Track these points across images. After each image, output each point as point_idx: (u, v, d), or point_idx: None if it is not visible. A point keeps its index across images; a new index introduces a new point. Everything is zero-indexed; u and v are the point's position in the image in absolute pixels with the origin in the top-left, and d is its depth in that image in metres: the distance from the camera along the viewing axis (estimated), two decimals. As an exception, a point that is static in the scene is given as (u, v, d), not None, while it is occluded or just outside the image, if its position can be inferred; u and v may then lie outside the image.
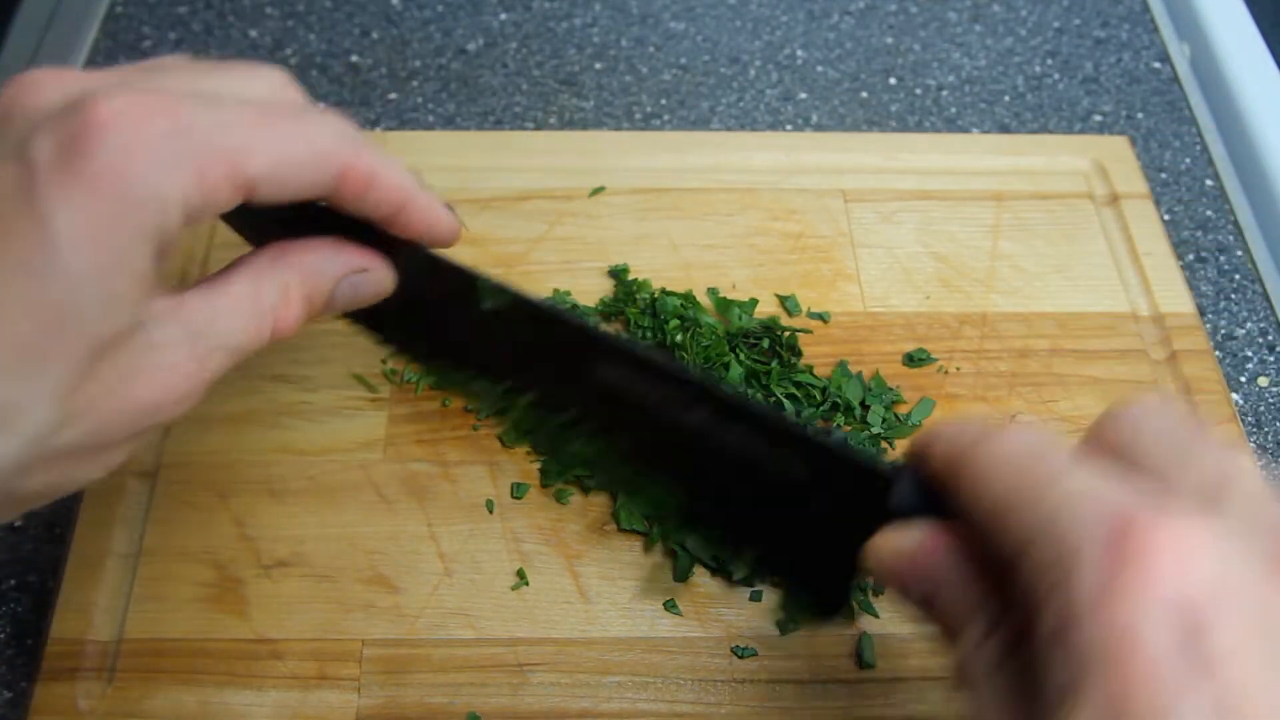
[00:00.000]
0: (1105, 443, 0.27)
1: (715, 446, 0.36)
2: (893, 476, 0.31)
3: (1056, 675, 0.23)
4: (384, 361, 0.46)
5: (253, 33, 0.62)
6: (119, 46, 0.62)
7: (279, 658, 0.40)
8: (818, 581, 0.37)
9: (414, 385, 0.46)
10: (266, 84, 0.33)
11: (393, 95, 0.60)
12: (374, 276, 0.35)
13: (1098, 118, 0.61)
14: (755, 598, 0.41)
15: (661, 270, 0.50)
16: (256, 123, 0.30)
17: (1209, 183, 0.58)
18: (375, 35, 0.63)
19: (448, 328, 0.42)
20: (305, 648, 0.40)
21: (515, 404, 0.42)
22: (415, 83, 0.61)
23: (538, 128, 0.59)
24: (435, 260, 0.39)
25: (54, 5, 0.61)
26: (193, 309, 0.30)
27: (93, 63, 0.61)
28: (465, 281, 0.39)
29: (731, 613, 0.41)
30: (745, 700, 0.39)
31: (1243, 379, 0.50)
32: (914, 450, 0.30)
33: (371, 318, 0.42)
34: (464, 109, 0.59)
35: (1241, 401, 0.50)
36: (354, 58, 0.62)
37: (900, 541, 0.30)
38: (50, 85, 0.29)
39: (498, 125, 0.59)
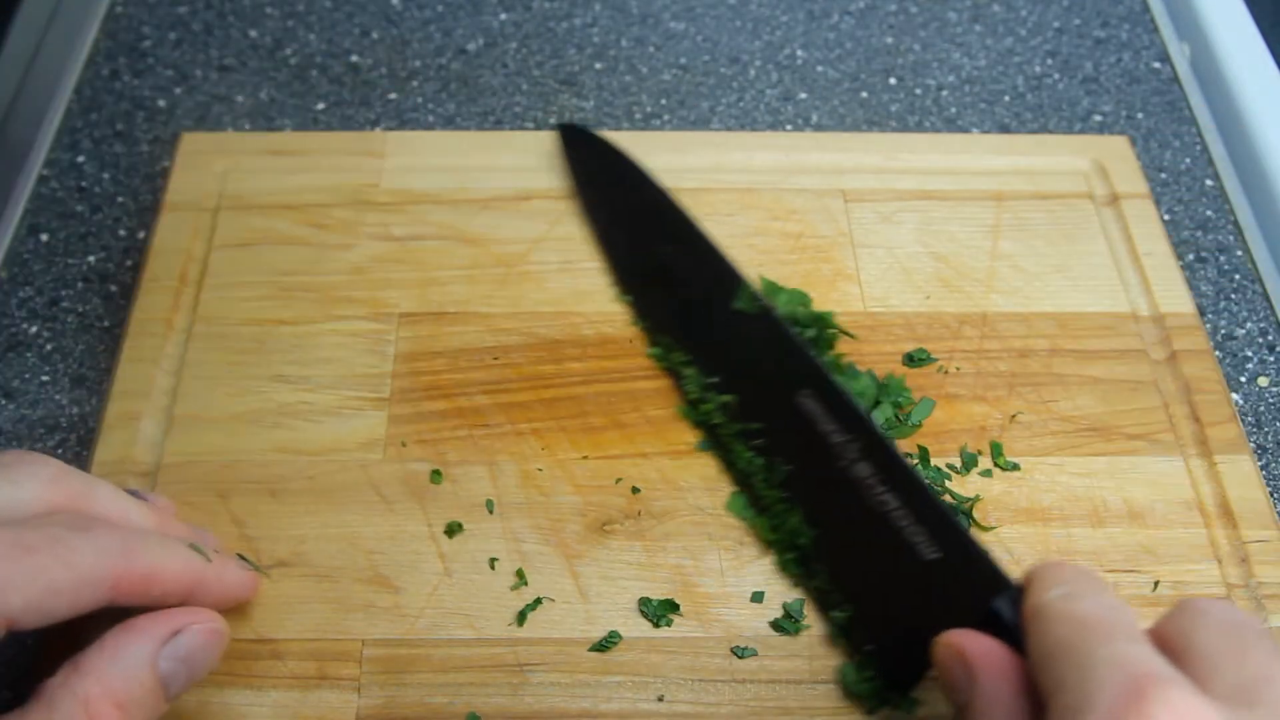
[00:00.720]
0: (1167, 629, 0.30)
1: (866, 504, 0.39)
2: (1008, 586, 0.34)
3: None
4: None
5: (253, 33, 0.62)
6: (119, 46, 0.62)
7: (279, 658, 0.40)
8: (895, 659, 0.39)
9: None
10: (32, 485, 0.32)
11: (393, 95, 0.60)
12: (198, 632, 0.33)
13: (1098, 118, 0.61)
14: (756, 598, 0.41)
15: (661, 270, 0.50)
16: (9, 557, 0.29)
17: (1209, 183, 0.58)
18: (375, 35, 0.63)
19: (691, 309, 0.47)
20: (305, 648, 0.40)
21: (712, 400, 0.44)
22: (415, 83, 0.61)
23: (538, 128, 0.59)
24: (707, 248, 0.46)
25: (54, 5, 0.61)
26: None
27: (93, 63, 0.61)
28: (727, 277, 0.45)
29: (731, 613, 0.41)
30: (745, 700, 0.39)
31: (1243, 379, 0.50)
32: (1023, 577, 0.33)
33: (629, 272, 0.49)
34: (464, 109, 0.59)
35: (1241, 401, 0.50)
36: (354, 58, 0.62)
37: (971, 643, 0.32)
38: None
39: (498, 125, 0.59)
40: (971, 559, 0.36)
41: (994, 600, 0.34)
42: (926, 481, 0.38)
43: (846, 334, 0.48)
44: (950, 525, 0.37)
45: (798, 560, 0.42)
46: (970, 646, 0.32)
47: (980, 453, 0.45)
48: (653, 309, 0.48)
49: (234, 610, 0.40)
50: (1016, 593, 0.33)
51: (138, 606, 0.33)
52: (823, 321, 0.48)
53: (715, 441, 0.45)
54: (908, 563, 0.38)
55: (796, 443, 0.42)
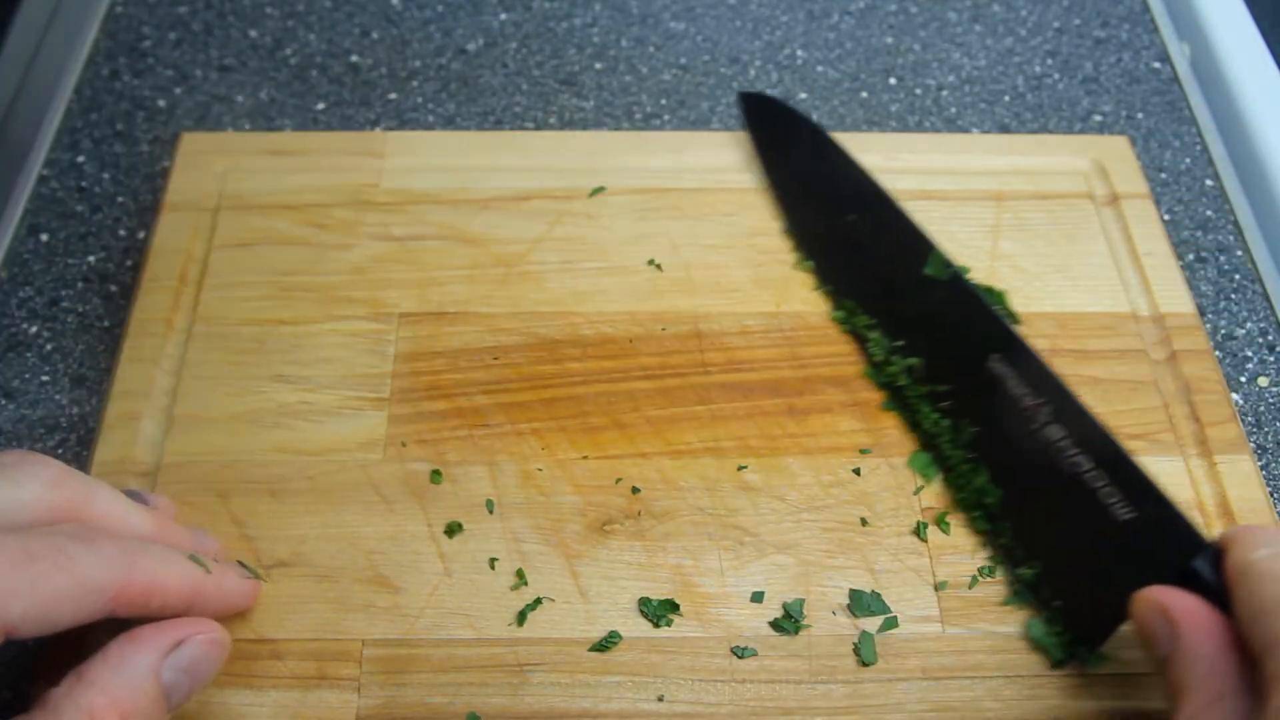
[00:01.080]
0: None
1: (1057, 466, 0.41)
2: (1204, 547, 0.36)
3: None
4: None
5: (253, 33, 0.62)
6: (119, 46, 0.62)
7: (279, 658, 0.40)
8: (1084, 615, 0.40)
9: (417, 391, 0.46)
10: (33, 486, 0.33)
11: (393, 95, 0.60)
12: (200, 642, 0.34)
13: (1098, 118, 0.61)
14: (756, 598, 0.41)
15: (664, 270, 0.50)
16: (13, 565, 0.30)
17: (1209, 183, 0.58)
18: (375, 35, 0.63)
19: (877, 274, 0.48)
20: (305, 648, 0.40)
21: (897, 363, 0.45)
22: (415, 83, 0.61)
23: (538, 128, 0.59)
24: (895, 214, 0.48)
25: (54, 5, 0.61)
26: None
27: (93, 63, 0.61)
28: (916, 243, 0.47)
29: (731, 613, 0.41)
30: (745, 700, 0.39)
31: (1243, 379, 0.50)
32: (1222, 539, 0.35)
33: (813, 238, 0.50)
34: (464, 109, 0.59)
35: (1241, 401, 0.50)
36: (354, 58, 0.62)
37: (1173, 599, 0.34)
38: None
39: (498, 125, 0.59)
40: (1168, 520, 0.37)
41: (1194, 560, 0.35)
42: (1121, 445, 0.39)
43: (1013, 316, 0.49)
44: (1147, 488, 0.38)
45: (984, 518, 0.43)
46: (1173, 602, 0.34)
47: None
48: (837, 273, 0.49)
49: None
50: (1215, 553, 0.35)
51: (137, 617, 0.33)
52: (992, 297, 0.49)
53: (900, 402, 0.46)
54: (1100, 522, 0.39)
55: (985, 405, 0.43)
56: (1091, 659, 0.40)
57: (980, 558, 0.42)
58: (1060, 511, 0.41)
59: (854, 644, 0.40)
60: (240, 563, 0.40)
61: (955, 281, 0.46)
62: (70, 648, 0.38)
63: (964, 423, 0.44)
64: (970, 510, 0.43)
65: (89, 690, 0.31)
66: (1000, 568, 0.42)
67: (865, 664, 0.40)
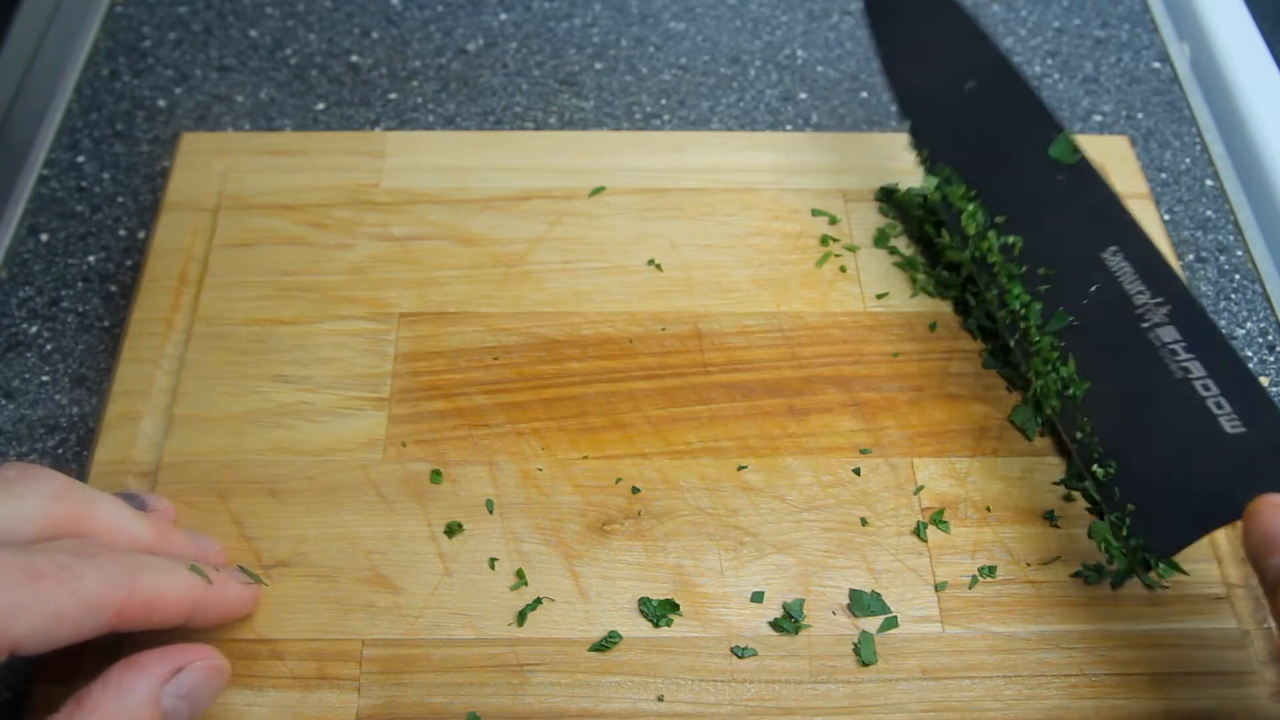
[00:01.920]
0: None
1: (1163, 368, 0.39)
2: None
3: None
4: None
5: (253, 33, 0.62)
6: (119, 46, 0.62)
7: (279, 658, 0.40)
8: (1160, 522, 0.38)
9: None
10: (35, 500, 0.33)
11: (393, 95, 0.60)
12: (199, 669, 0.34)
13: (1098, 118, 0.61)
14: (756, 598, 0.41)
15: (664, 270, 0.50)
16: (18, 583, 0.30)
17: (1209, 183, 0.58)
18: (375, 35, 0.63)
19: (991, 146, 0.45)
20: (305, 648, 0.40)
21: (990, 240, 0.44)
22: (415, 83, 0.61)
23: (538, 128, 0.59)
24: (1024, 90, 0.45)
25: (54, 5, 0.61)
26: None
27: (93, 63, 0.61)
28: (1042, 123, 0.44)
29: (731, 613, 0.41)
30: (745, 700, 0.39)
31: (1243, 379, 0.50)
32: None
33: (918, 94, 0.48)
34: (464, 109, 0.59)
35: (1241, 401, 0.50)
36: (354, 58, 0.62)
37: None
38: None
39: (498, 125, 0.59)
40: None
41: None
42: (1241, 359, 0.38)
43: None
44: (1264, 403, 0.37)
45: (1062, 409, 0.42)
46: None
47: (980, 453, 0.45)
48: (941, 138, 0.48)
49: (234, 610, 0.40)
50: None
51: (138, 630, 0.34)
52: None
53: (986, 277, 0.45)
54: (1202, 430, 0.38)
55: (1090, 294, 0.42)
56: (1163, 567, 0.39)
57: (980, 558, 0.43)
58: (1154, 413, 0.39)
59: (854, 644, 0.40)
60: (241, 568, 0.40)
61: (1082, 167, 0.44)
62: (70, 651, 0.38)
63: (1060, 309, 0.43)
64: (1048, 399, 0.43)
65: (89, 717, 0.31)
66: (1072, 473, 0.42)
67: (865, 664, 0.40)
